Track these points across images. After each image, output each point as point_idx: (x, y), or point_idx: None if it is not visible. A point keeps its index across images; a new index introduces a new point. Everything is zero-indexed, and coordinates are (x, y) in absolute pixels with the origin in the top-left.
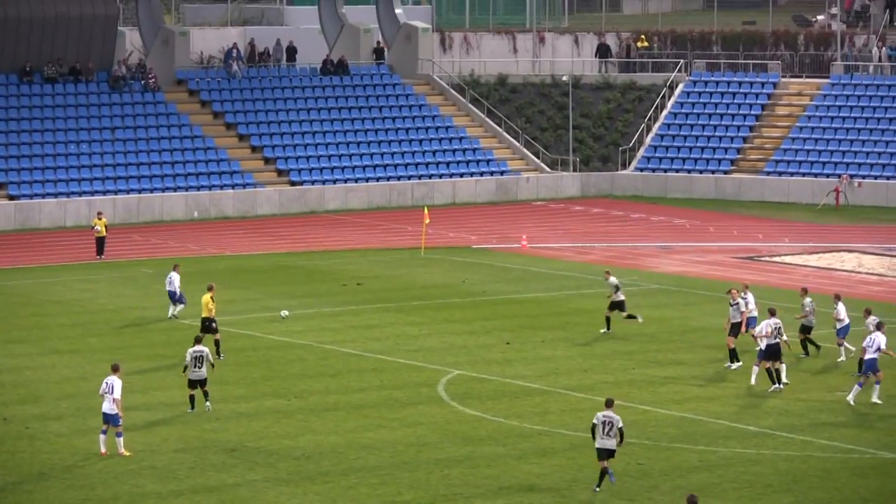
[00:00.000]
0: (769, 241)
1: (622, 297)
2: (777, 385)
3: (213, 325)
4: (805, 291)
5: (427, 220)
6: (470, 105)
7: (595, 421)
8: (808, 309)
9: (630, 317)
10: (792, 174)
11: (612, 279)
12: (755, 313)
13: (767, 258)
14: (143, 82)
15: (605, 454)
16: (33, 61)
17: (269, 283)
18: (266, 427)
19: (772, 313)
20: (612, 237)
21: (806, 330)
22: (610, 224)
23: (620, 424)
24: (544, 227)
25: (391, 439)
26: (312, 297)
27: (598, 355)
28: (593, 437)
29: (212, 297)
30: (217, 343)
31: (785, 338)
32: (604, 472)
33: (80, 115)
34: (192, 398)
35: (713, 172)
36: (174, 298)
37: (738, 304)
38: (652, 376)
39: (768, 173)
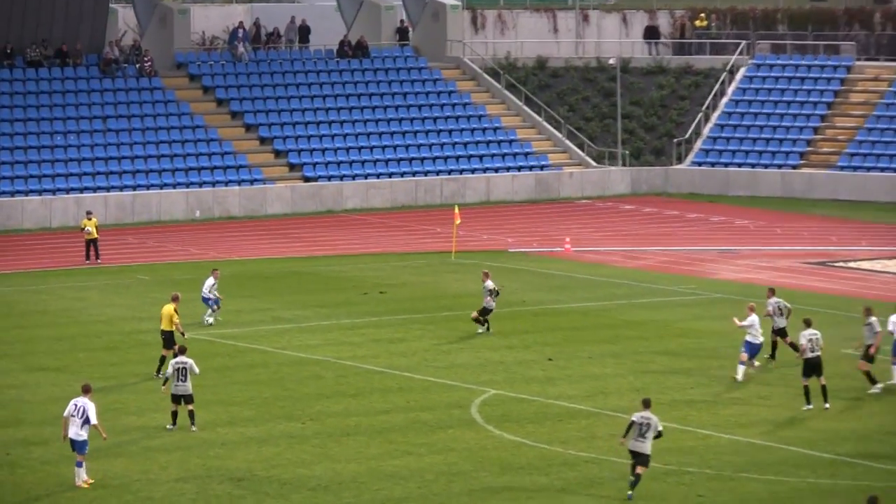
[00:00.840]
0: (844, 245)
1: (492, 305)
2: (809, 405)
3: (175, 340)
4: (869, 312)
5: (458, 221)
6: (505, 91)
7: (632, 418)
8: (874, 332)
9: (483, 322)
10: (868, 169)
11: (489, 282)
12: (759, 339)
13: (842, 264)
14: (137, 66)
15: (637, 458)
16: (15, 42)
17: (280, 292)
18: (278, 454)
19: (808, 324)
20: (667, 240)
21: (868, 358)
22: (664, 225)
23: (660, 427)
24: (590, 228)
25: (419, 467)
26: (329, 307)
27: (651, 372)
28: (626, 433)
29: (175, 309)
30: (163, 360)
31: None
32: (637, 478)
33: (67, 103)
34: (174, 414)
35: (780, 167)
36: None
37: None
38: (713, 396)
39: (842, 168)
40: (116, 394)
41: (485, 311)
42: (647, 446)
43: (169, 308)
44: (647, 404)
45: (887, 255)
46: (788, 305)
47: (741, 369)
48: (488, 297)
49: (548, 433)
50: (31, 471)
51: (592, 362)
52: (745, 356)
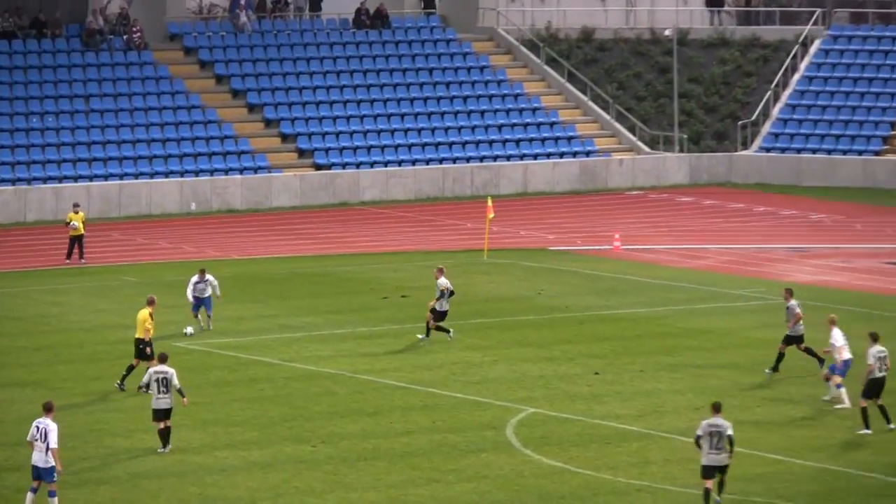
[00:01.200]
0: None
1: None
2: (868, 430)
3: (149, 350)
4: None
5: (491, 215)
6: (545, 67)
7: (700, 432)
8: None
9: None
10: None
11: (442, 280)
12: (848, 355)
13: None
14: (125, 38)
15: (718, 470)
16: None
17: (287, 296)
18: (284, 481)
19: (874, 339)
20: (730, 237)
21: None
22: (727, 220)
23: (729, 432)
24: (642, 223)
25: (446, 497)
26: (344, 313)
27: (712, 389)
28: (698, 448)
29: (151, 314)
30: (130, 369)
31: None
32: (708, 494)
33: (44, 80)
34: (162, 434)
35: (860, 153)
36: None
37: None
38: (783, 416)
39: None
40: (101, 412)
41: (439, 316)
42: (724, 457)
43: (144, 313)
44: (717, 409)
45: None
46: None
47: (839, 391)
48: (441, 298)
49: (594, 458)
50: (4, 500)
51: (645, 377)
52: (837, 377)
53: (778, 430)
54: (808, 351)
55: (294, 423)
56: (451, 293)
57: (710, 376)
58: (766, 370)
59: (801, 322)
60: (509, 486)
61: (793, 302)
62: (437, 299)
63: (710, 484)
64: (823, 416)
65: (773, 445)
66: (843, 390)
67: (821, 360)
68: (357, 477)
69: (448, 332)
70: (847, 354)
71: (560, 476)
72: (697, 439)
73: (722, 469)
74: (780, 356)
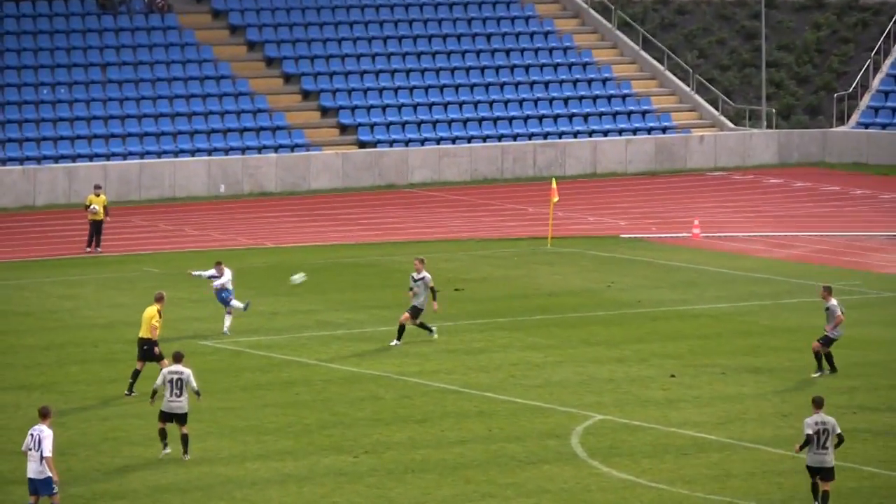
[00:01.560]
0: None
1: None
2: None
3: (156, 349)
4: None
5: (556, 198)
6: (617, 32)
7: (808, 430)
8: None
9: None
10: None
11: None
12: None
13: None
14: (146, 0)
15: (821, 474)
16: None
17: (326, 289)
18: (323, 496)
19: None
20: (824, 223)
21: None
22: (820, 204)
23: (838, 430)
24: (725, 208)
25: None
26: (390, 307)
27: (801, 392)
28: (804, 447)
29: (159, 311)
30: (135, 374)
31: None
32: (817, 493)
33: (56, 47)
34: (163, 433)
35: None
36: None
37: None
38: (882, 425)
39: None
40: (117, 418)
41: (415, 312)
42: (830, 458)
43: (151, 310)
44: (819, 404)
45: None
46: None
47: None
48: (416, 292)
49: (668, 470)
50: None
51: (727, 380)
52: None
53: (874, 441)
54: (828, 358)
55: (333, 431)
56: (433, 290)
57: (799, 379)
58: (814, 374)
59: (843, 325)
60: (574, 501)
61: (833, 301)
62: (414, 293)
63: (826, 486)
64: None
65: (870, 457)
66: None
67: (832, 369)
68: (403, 491)
69: (431, 329)
70: None
71: (631, 490)
72: (807, 440)
73: (830, 472)
74: (826, 356)
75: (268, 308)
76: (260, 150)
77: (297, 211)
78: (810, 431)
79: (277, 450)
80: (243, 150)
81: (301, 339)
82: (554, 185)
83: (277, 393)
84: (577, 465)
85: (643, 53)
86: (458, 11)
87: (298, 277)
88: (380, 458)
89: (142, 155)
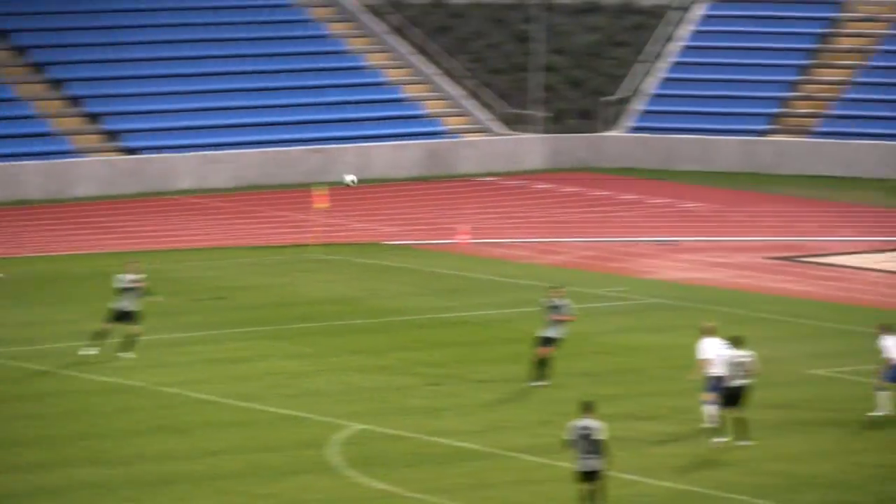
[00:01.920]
0: (820, 235)
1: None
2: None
3: None
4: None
5: (323, 205)
6: (390, 36)
7: (569, 436)
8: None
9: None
10: (858, 136)
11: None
12: None
13: (814, 259)
14: None
15: (590, 478)
16: None
17: (85, 298)
18: None
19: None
20: (592, 229)
21: None
22: (589, 209)
23: (603, 436)
24: (494, 214)
25: None
26: (150, 316)
27: (564, 401)
28: (566, 449)
29: None
30: None
31: None
32: (586, 499)
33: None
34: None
35: (742, 134)
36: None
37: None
38: (640, 433)
39: (823, 135)
40: None
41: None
42: (599, 462)
43: None
44: (588, 409)
45: (874, 248)
46: None
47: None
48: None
49: (428, 480)
50: None
51: (486, 387)
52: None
53: (633, 448)
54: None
55: (89, 443)
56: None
57: (562, 387)
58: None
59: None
60: None
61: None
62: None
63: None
64: (686, 432)
65: (630, 465)
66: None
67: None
68: (159, 503)
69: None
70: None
71: (388, 501)
72: (570, 445)
73: (595, 476)
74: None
75: (23, 318)
76: (22, 156)
77: (60, 219)
78: (571, 436)
79: (30, 462)
80: (4, 157)
81: (58, 350)
82: (321, 191)
83: (30, 405)
84: (335, 476)
85: (416, 58)
86: (226, 15)
87: (350, 178)
88: (134, 469)
89: None
